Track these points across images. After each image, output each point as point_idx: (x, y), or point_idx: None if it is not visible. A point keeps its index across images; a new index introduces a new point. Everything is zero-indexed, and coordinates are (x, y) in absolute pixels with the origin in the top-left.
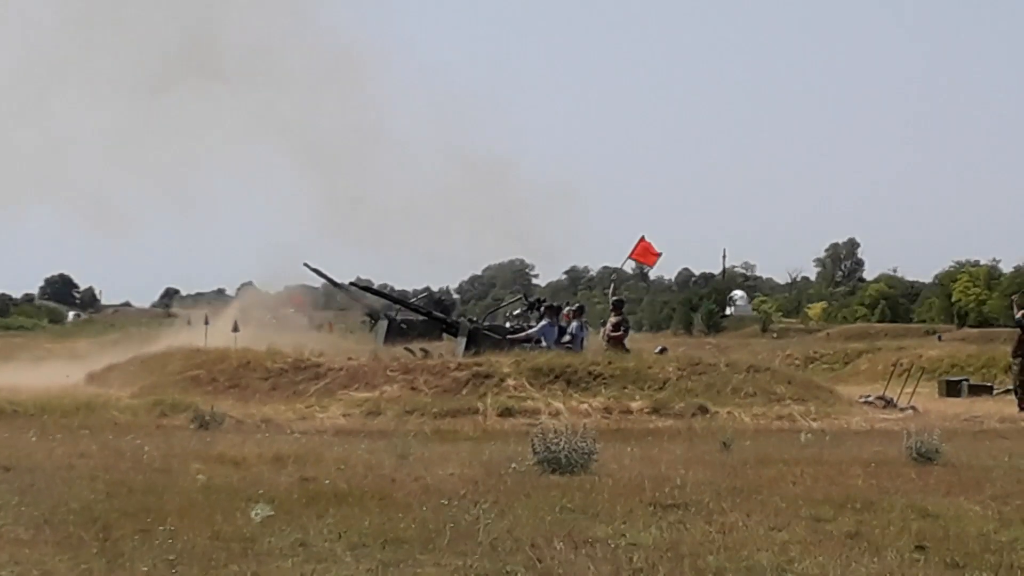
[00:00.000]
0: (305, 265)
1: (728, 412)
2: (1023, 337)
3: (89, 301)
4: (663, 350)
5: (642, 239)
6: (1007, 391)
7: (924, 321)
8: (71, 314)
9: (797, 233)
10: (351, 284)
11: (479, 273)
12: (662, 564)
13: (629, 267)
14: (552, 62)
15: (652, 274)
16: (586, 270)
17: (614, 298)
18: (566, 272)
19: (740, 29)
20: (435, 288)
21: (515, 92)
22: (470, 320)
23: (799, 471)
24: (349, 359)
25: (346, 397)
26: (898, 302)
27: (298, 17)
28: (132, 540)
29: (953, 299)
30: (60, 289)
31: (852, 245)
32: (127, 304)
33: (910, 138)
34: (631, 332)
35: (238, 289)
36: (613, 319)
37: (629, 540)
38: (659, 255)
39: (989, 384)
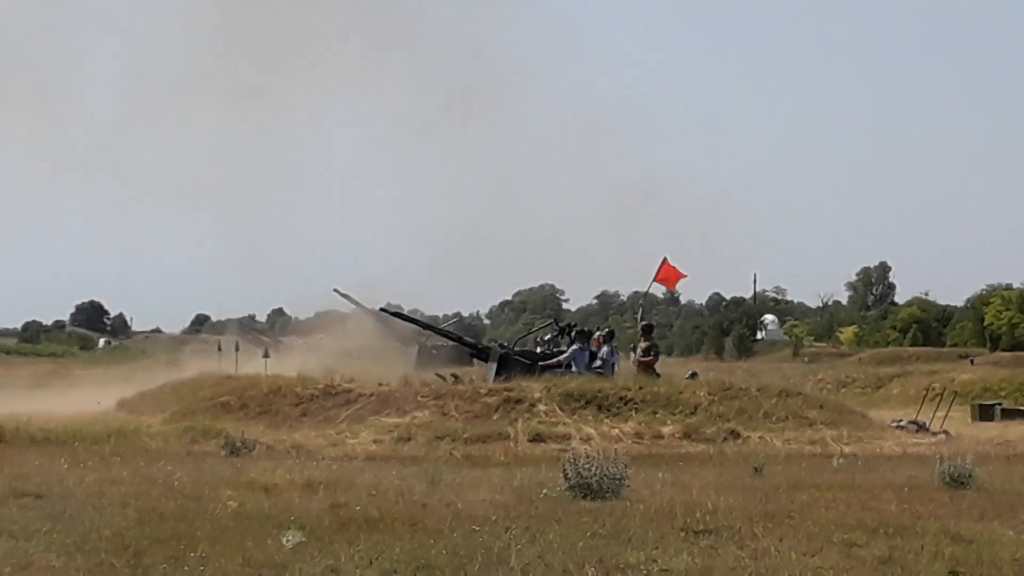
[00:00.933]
0: (335, 291)
1: (760, 437)
2: None
3: (120, 327)
4: (693, 375)
5: (665, 261)
6: None
7: (956, 345)
8: (102, 340)
9: (828, 257)
10: (381, 309)
11: (509, 298)
12: None
13: (660, 291)
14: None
15: (683, 298)
16: (616, 295)
17: (643, 323)
18: (596, 297)
19: (769, 49)
20: (465, 313)
21: None
22: (500, 345)
23: (831, 496)
24: (380, 385)
25: (377, 423)
26: (930, 326)
27: None
28: (163, 567)
29: (986, 322)
30: (91, 315)
31: (883, 269)
32: (158, 330)
33: (942, 161)
34: (661, 356)
35: (268, 315)
36: (643, 344)
37: (661, 566)
38: (682, 276)
39: (1022, 408)
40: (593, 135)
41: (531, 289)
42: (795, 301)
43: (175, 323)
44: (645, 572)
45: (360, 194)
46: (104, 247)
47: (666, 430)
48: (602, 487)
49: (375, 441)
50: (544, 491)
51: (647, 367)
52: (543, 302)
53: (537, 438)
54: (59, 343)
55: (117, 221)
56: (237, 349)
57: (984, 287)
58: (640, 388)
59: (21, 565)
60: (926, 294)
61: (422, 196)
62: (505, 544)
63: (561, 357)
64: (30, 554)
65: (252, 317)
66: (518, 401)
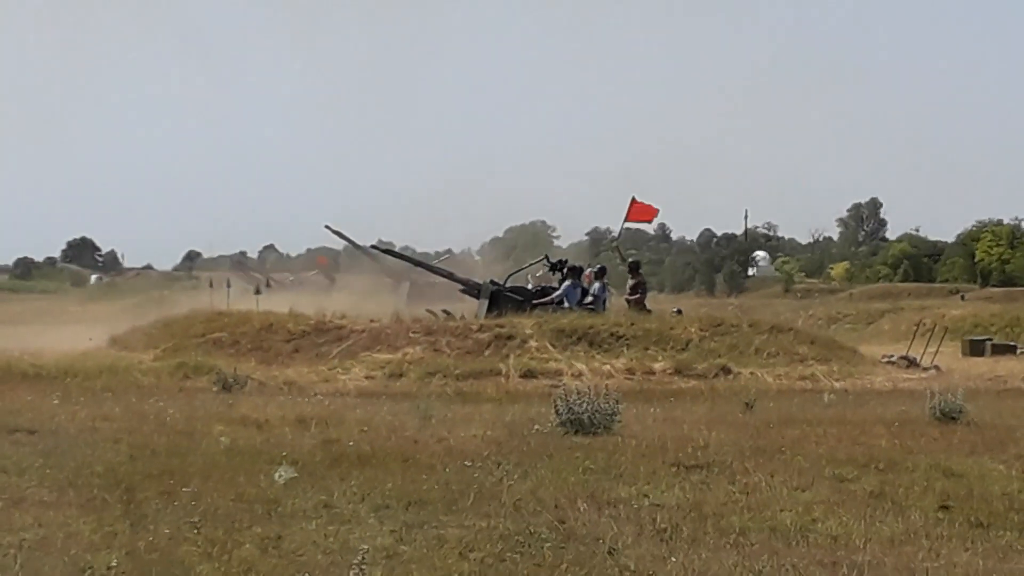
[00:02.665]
0: (326, 227)
1: (751, 372)
2: None
3: (111, 264)
4: (678, 311)
5: (633, 200)
6: None
7: (947, 281)
8: (93, 277)
9: (819, 193)
10: (373, 247)
11: (500, 235)
12: (685, 524)
13: (651, 228)
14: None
15: (674, 235)
16: (608, 231)
17: (630, 260)
18: (588, 233)
19: None
20: (457, 250)
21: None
22: (492, 282)
23: (822, 431)
24: (371, 321)
25: (368, 359)
26: (921, 262)
27: None
28: (156, 502)
29: (976, 258)
30: (82, 252)
31: (874, 205)
32: (149, 266)
33: (933, 97)
34: (652, 293)
35: (260, 251)
36: (630, 281)
37: (652, 501)
38: (655, 212)
39: (1012, 343)
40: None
41: (522, 226)
42: (786, 237)
43: (166, 260)
44: (636, 507)
45: (353, 129)
46: (95, 183)
47: (657, 366)
48: (593, 423)
49: (367, 377)
50: (536, 427)
51: (636, 303)
52: (534, 239)
53: (529, 374)
54: (50, 279)
55: (109, 156)
56: (228, 286)
57: (975, 223)
58: (631, 324)
59: (13, 500)
60: (917, 230)
61: (416, 132)
62: (497, 479)
63: (554, 294)
64: (23, 489)
65: (243, 254)
66: (510, 337)
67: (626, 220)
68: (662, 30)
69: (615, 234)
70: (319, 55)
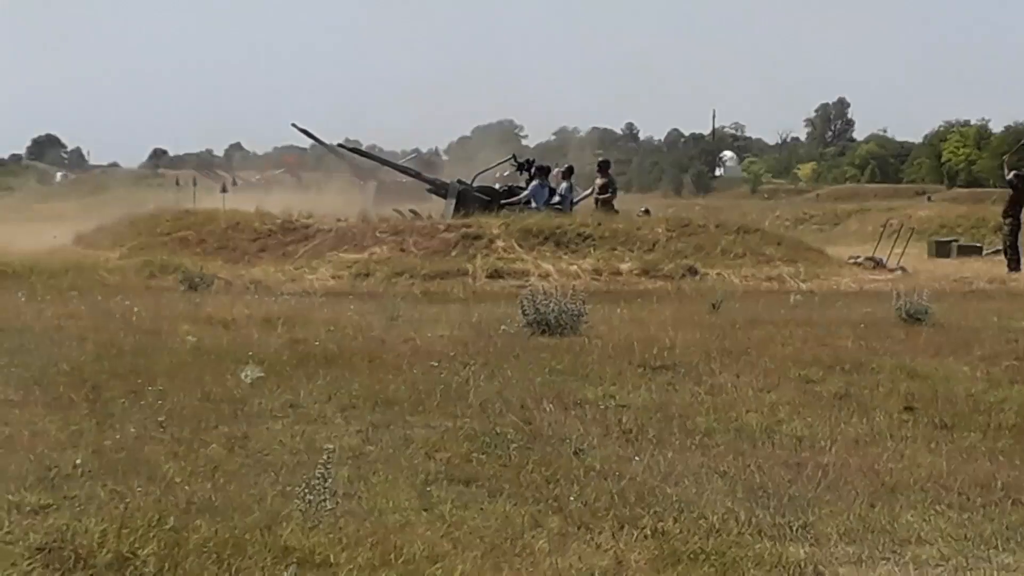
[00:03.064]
0: (293, 125)
1: (717, 273)
2: (1013, 197)
3: (77, 161)
4: (646, 211)
5: None
6: (996, 252)
7: (914, 181)
8: (59, 174)
9: (787, 93)
10: (339, 145)
11: (468, 134)
12: (652, 425)
13: (618, 127)
14: None
15: (641, 134)
16: (576, 131)
17: (599, 159)
18: (555, 133)
19: None
20: (424, 149)
21: None
22: (459, 181)
23: (788, 332)
24: (338, 220)
25: (335, 259)
26: (888, 162)
27: None
28: (122, 401)
29: (943, 159)
30: (47, 149)
31: (842, 105)
32: (115, 164)
33: None
34: (619, 192)
35: (226, 150)
36: (599, 181)
37: (619, 401)
38: None
39: (978, 245)
40: None
41: (489, 125)
42: (753, 138)
43: (132, 158)
44: (603, 407)
45: (322, 24)
46: (60, 79)
47: (624, 267)
48: (560, 323)
49: (333, 277)
50: (502, 327)
51: (605, 203)
52: (502, 138)
53: (495, 274)
54: (15, 176)
55: (71, 52)
56: (195, 184)
57: (942, 124)
58: (599, 225)
59: None
60: (884, 131)
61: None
62: (464, 380)
63: (522, 195)
64: None
65: (210, 152)
66: (476, 237)
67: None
68: None
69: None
70: None
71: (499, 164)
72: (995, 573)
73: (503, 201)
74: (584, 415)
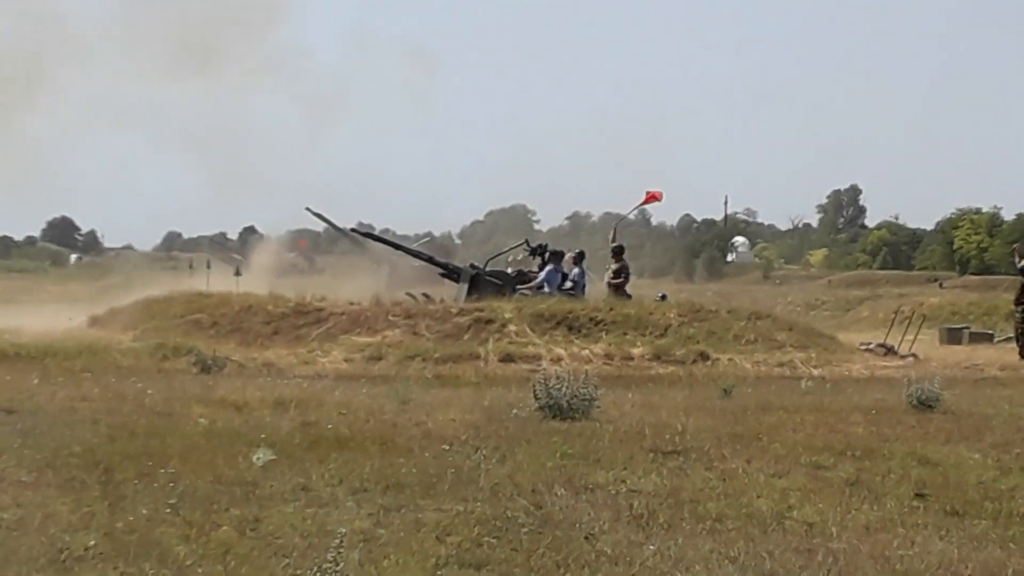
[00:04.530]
0: (307, 209)
1: (729, 359)
2: None
3: (91, 244)
4: (663, 297)
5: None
6: (1008, 339)
7: (926, 268)
8: (73, 256)
9: (799, 180)
10: (353, 230)
11: (481, 219)
12: (662, 510)
13: (632, 216)
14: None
15: (654, 220)
16: (588, 216)
17: (614, 244)
18: (568, 218)
19: None
20: (437, 233)
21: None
22: (472, 266)
23: (800, 418)
24: (351, 304)
25: (348, 341)
26: (900, 249)
27: None
28: (134, 483)
29: (955, 246)
30: (62, 231)
31: (854, 192)
32: (129, 247)
33: (913, 85)
34: (632, 278)
35: (240, 233)
36: (614, 265)
37: (630, 486)
38: (659, 195)
39: (990, 332)
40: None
41: (503, 209)
42: (766, 223)
43: (146, 240)
44: (614, 492)
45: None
46: (76, 163)
47: (636, 351)
48: (572, 407)
49: (346, 360)
50: (514, 411)
51: (618, 288)
52: (515, 222)
53: (508, 358)
54: (30, 258)
55: (89, 139)
56: (209, 267)
57: (954, 211)
58: (611, 309)
59: None
60: (896, 217)
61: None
62: (475, 464)
63: (537, 279)
64: (0, 469)
65: (224, 235)
66: (489, 321)
67: (639, 205)
68: (641, 16)
69: (624, 215)
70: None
71: (512, 248)
72: None
73: (519, 287)
74: (595, 499)
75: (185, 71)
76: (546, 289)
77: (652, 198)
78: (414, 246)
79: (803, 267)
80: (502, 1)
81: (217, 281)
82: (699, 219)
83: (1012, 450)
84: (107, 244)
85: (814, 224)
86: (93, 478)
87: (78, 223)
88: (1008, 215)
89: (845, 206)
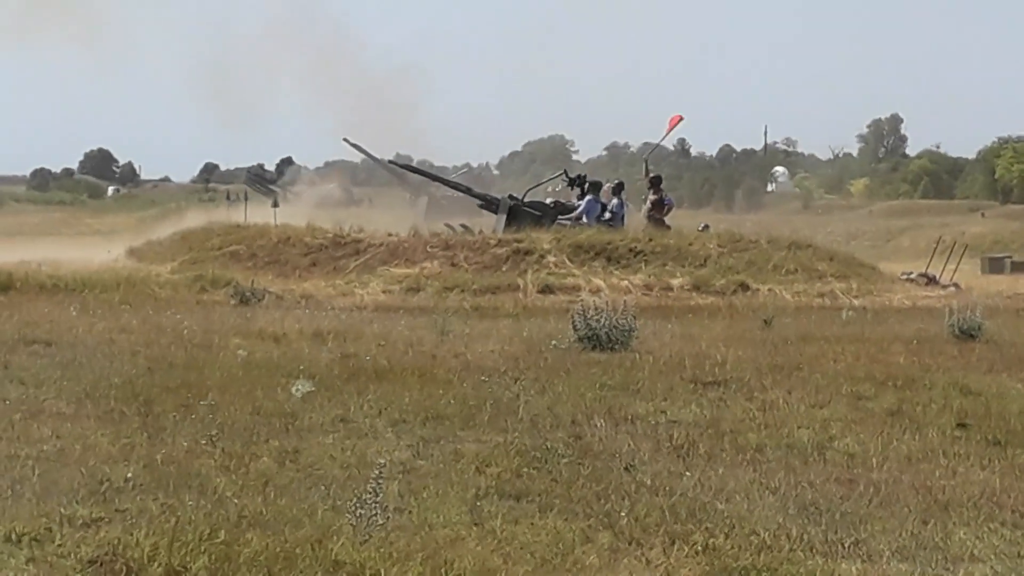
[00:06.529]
0: (345, 140)
1: (769, 289)
2: None
3: (128, 176)
4: (706, 227)
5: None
6: None
7: (967, 197)
8: (111, 189)
9: (839, 109)
10: (391, 162)
11: (519, 149)
12: (702, 441)
13: (670, 143)
14: None
15: (693, 150)
16: (626, 146)
17: (651, 175)
18: (606, 148)
19: None
20: (474, 164)
21: None
22: (510, 197)
23: (840, 348)
24: (389, 235)
25: (386, 273)
26: (941, 178)
27: None
28: (173, 415)
29: (996, 175)
30: (100, 163)
31: (895, 121)
32: (167, 179)
33: (955, 10)
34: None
35: (276, 164)
36: (652, 196)
37: (669, 417)
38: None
39: None
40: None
41: (540, 140)
42: (806, 153)
43: (183, 172)
44: (654, 423)
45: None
46: (113, 94)
47: (675, 282)
48: (611, 339)
49: (384, 291)
50: (553, 342)
51: (656, 219)
52: (553, 153)
53: (546, 289)
54: (68, 191)
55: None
56: (246, 198)
57: (996, 139)
58: (650, 240)
59: (31, 412)
60: (937, 147)
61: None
62: (514, 395)
63: (578, 210)
64: (40, 401)
65: (261, 166)
66: (527, 252)
67: (667, 133)
68: None
69: (653, 145)
70: None
71: (550, 179)
72: None
73: (561, 216)
74: (635, 431)
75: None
76: (584, 220)
77: (675, 121)
78: (452, 177)
79: (843, 197)
80: None
81: (254, 213)
82: (738, 149)
83: None
84: (144, 176)
85: (855, 154)
86: (132, 410)
87: (116, 155)
88: None
89: (886, 135)
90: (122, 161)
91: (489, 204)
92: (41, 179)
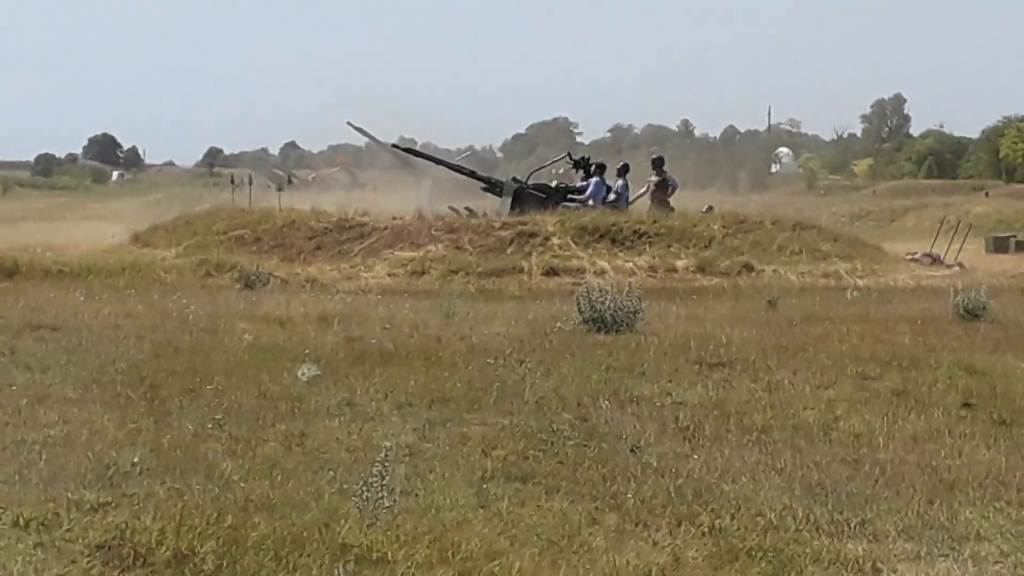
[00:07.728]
0: (348, 124)
1: (774, 270)
2: None
3: (133, 160)
4: (710, 208)
5: None
6: None
7: (971, 177)
8: (115, 173)
9: (843, 89)
10: (394, 145)
11: (522, 131)
12: (708, 422)
13: (674, 123)
14: None
15: (697, 131)
16: (630, 128)
17: (653, 156)
18: (610, 130)
19: None
20: (478, 147)
21: None
22: (514, 179)
23: (845, 329)
24: (394, 218)
25: (391, 257)
26: (945, 158)
27: None
28: (179, 399)
29: (1001, 154)
30: (104, 148)
31: (898, 101)
32: (171, 163)
33: None
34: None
35: (281, 148)
36: (655, 178)
37: (675, 398)
38: None
39: None
40: None
41: (544, 122)
42: (809, 134)
43: (188, 157)
44: (659, 404)
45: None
46: (117, 79)
47: (680, 263)
48: (616, 320)
49: (389, 275)
50: (558, 325)
51: (660, 201)
52: (556, 135)
53: (551, 272)
54: (72, 176)
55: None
56: (251, 183)
57: (1000, 118)
58: (654, 222)
59: (38, 397)
60: (941, 126)
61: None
62: (520, 377)
63: (586, 192)
64: (47, 386)
65: (265, 151)
66: (532, 235)
67: None
68: None
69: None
70: None
71: (554, 161)
72: None
73: (570, 197)
74: (640, 412)
75: None
76: (591, 202)
77: None
78: (455, 160)
79: (847, 177)
80: None
81: (259, 197)
82: (742, 130)
83: None
84: (148, 161)
85: (858, 134)
86: (139, 395)
87: (120, 140)
88: None
89: (890, 115)
90: (126, 146)
91: (493, 187)
92: (45, 164)
